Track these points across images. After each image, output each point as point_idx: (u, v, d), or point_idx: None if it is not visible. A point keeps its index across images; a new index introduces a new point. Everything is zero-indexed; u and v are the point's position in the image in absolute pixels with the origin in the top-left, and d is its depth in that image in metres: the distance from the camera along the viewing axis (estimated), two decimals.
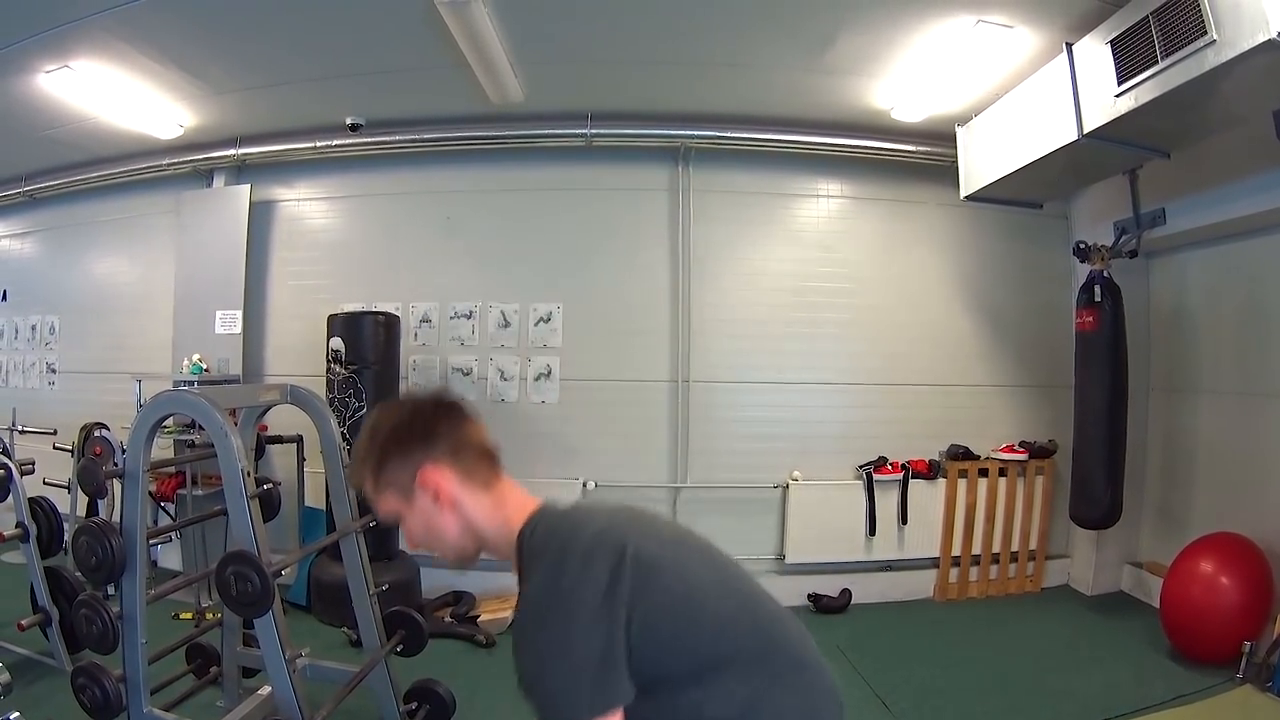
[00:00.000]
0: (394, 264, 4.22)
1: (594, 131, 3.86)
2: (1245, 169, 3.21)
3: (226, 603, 1.96)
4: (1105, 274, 3.68)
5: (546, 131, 3.90)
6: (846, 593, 3.98)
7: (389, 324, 3.82)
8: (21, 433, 4.26)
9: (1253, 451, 3.48)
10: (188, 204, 4.42)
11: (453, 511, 0.99)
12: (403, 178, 4.18)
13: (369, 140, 4.00)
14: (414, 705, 2.52)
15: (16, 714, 2.03)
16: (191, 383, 3.86)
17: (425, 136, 3.96)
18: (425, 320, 4.15)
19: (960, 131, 3.70)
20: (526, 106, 3.69)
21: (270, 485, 2.48)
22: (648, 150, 3.99)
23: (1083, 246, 3.84)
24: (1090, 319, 3.71)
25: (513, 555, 0.98)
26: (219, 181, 4.40)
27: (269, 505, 2.45)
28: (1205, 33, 2.25)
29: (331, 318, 3.79)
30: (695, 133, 3.88)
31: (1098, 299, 3.68)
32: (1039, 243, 4.29)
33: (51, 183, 4.67)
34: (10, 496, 3.06)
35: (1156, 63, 2.46)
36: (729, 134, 3.89)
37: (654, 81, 3.56)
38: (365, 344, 3.73)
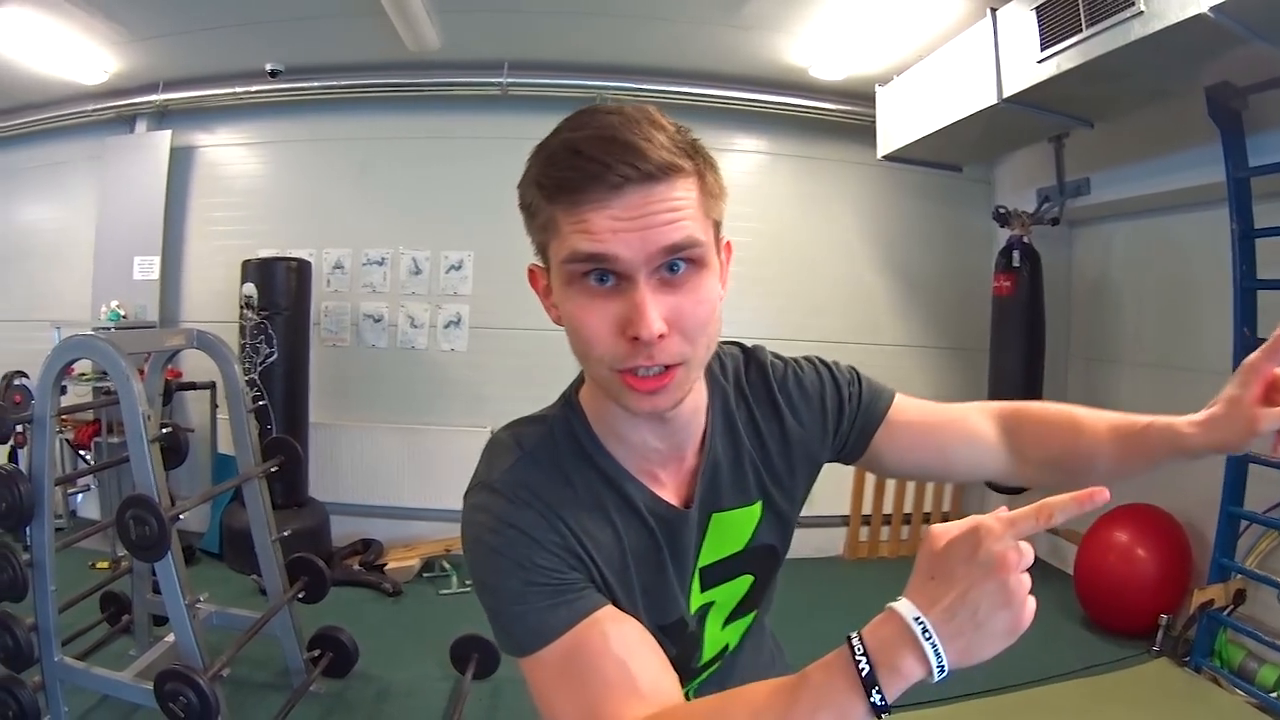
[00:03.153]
0: (309, 210, 4.19)
1: (510, 81, 3.83)
2: (1174, 144, 3.18)
3: (126, 546, 2.00)
4: (1025, 239, 3.67)
5: (462, 80, 3.87)
6: None
7: (301, 270, 3.81)
8: None
9: None
10: (110, 150, 4.36)
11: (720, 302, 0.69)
12: (320, 124, 4.14)
13: (288, 86, 3.95)
14: (317, 652, 2.53)
15: None
16: (108, 329, 3.83)
17: (342, 83, 3.92)
18: (338, 267, 4.13)
19: (880, 91, 3.68)
20: (443, 55, 3.65)
21: (174, 429, 2.47)
22: (564, 100, 3.93)
23: (1003, 211, 3.83)
24: (1008, 284, 3.70)
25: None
26: (141, 127, 4.34)
27: (174, 450, 2.45)
28: (1133, 4, 2.25)
29: (245, 263, 3.78)
30: (612, 84, 3.84)
31: (1016, 264, 3.67)
32: (960, 206, 4.29)
33: None
34: None
35: (1080, 30, 2.46)
36: (646, 86, 3.85)
37: (572, 32, 3.53)
38: (278, 290, 3.72)
